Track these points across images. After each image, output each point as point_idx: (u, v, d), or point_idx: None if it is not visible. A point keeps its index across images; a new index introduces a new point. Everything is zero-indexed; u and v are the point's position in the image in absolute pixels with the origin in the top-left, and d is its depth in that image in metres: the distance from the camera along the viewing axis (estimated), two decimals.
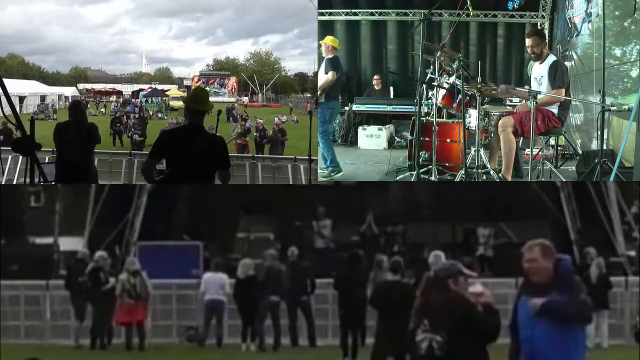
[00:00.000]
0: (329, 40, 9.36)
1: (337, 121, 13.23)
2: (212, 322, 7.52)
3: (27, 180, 4.83)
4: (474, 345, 3.05)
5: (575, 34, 10.70)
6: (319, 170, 9.59)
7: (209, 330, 7.53)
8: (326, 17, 13.80)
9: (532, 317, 3.07)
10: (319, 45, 9.81)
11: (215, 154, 5.21)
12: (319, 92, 9.40)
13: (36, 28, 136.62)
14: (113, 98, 60.89)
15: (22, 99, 44.86)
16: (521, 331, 3.12)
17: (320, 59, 9.69)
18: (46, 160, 9.91)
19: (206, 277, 7.65)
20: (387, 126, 12.75)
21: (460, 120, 7.80)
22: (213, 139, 5.48)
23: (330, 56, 9.24)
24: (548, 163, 8.34)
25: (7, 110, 3.98)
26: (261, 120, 21.69)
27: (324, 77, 9.19)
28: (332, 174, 9.14)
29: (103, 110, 50.53)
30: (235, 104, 52.17)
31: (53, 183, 7.53)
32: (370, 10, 13.88)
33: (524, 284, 3.21)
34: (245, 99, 70.93)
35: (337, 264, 7.91)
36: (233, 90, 76.36)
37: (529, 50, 7.49)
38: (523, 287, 3.21)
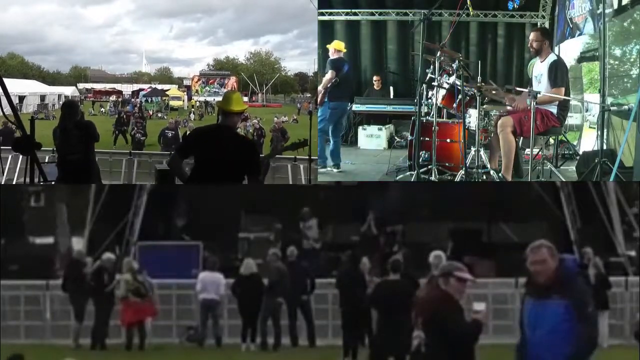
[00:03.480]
0: (334, 44, 9.83)
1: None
2: (209, 321, 7.53)
3: (27, 180, 4.83)
4: (457, 343, 3.05)
5: (577, 34, 10.67)
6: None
7: (205, 329, 7.54)
8: (326, 17, 13.79)
9: (537, 318, 3.08)
10: (319, 46, 9.99)
11: (243, 157, 5.00)
12: (318, 90, 9.75)
13: (38, 28, 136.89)
14: (113, 98, 60.91)
15: (22, 98, 44.86)
16: (527, 332, 3.12)
17: (323, 60, 9.96)
18: (46, 160, 9.91)
19: (202, 276, 7.64)
20: (387, 126, 12.75)
21: (460, 120, 7.80)
22: (242, 142, 5.32)
23: (334, 57, 9.67)
24: (548, 163, 8.35)
25: (8, 110, 3.98)
26: (256, 120, 21.77)
27: (325, 77, 9.63)
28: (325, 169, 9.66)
29: (102, 110, 50.58)
30: None
31: (53, 183, 7.52)
32: (370, 10, 13.87)
33: (527, 284, 3.20)
34: (245, 99, 70.96)
35: (337, 263, 7.92)
36: (233, 90, 76.30)
37: (530, 44, 7.54)
38: (527, 287, 3.20)
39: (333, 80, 9.50)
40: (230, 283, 7.52)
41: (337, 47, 9.74)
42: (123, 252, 8.42)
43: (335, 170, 9.63)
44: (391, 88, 13.99)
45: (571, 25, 10.79)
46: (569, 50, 11.04)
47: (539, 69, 7.42)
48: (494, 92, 7.96)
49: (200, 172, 5.13)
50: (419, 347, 3.04)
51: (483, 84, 7.59)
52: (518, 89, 7.90)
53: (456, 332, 3.05)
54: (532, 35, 7.51)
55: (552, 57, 7.31)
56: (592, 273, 7.28)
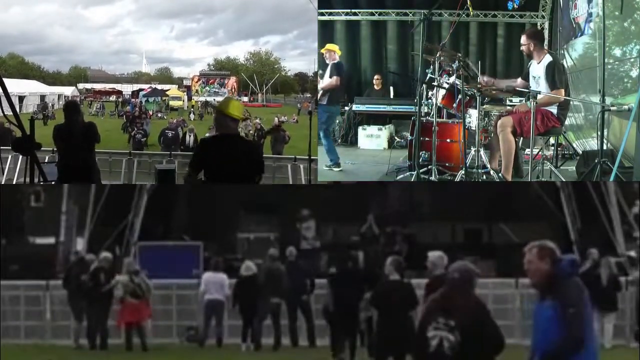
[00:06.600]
0: (331, 47, 10.02)
1: (337, 121, 13.26)
2: (212, 322, 7.52)
3: (27, 180, 4.83)
4: (485, 348, 3.03)
5: (579, 34, 10.70)
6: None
7: (208, 330, 7.53)
8: (326, 17, 13.78)
9: (534, 318, 3.08)
10: (319, 47, 10.06)
11: (252, 161, 5.20)
12: (319, 94, 9.97)
13: (39, 29, 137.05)
14: (113, 98, 60.87)
15: (22, 98, 44.84)
16: (534, 332, 3.13)
17: (321, 61, 10.06)
18: (46, 160, 9.90)
19: (206, 276, 7.64)
20: (387, 126, 12.75)
21: (460, 120, 7.80)
22: (249, 146, 5.48)
23: (335, 61, 9.89)
24: (548, 163, 8.34)
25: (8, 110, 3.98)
26: (258, 120, 21.76)
27: (329, 81, 9.81)
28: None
29: (102, 110, 50.60)
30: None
31: (53, 183, 7.51)
32: (370, 10, 13.86)
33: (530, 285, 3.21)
34: (245, 99, 70.98)
35: (337, 263, 7.90)
36: (233, 90, 76.29)
37: (521, 47, 7.54)
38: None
39: (337, 85, 9.77)
40: (233, 283, 7.53)
41: (334, 50, 9.95)
42: (123, 252, 8.42)
43: (335, 169, 9.63)
44: (391, 88, 13.98)
45: (574, 26, 10.83)
46: (575, 51, 11.09)
47: (536, 71, 7.41)
48: (494, 91, 7.96)
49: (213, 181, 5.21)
50: (441, 347, 3.00)
51: (484, 79, 7.60)
52: (518, 89, 7.89)
53: (492, 335, 3.04)
54: (522, 39, 7.50)
55: (547, 58, 7.30)
56: (602, 274, 7.24)
